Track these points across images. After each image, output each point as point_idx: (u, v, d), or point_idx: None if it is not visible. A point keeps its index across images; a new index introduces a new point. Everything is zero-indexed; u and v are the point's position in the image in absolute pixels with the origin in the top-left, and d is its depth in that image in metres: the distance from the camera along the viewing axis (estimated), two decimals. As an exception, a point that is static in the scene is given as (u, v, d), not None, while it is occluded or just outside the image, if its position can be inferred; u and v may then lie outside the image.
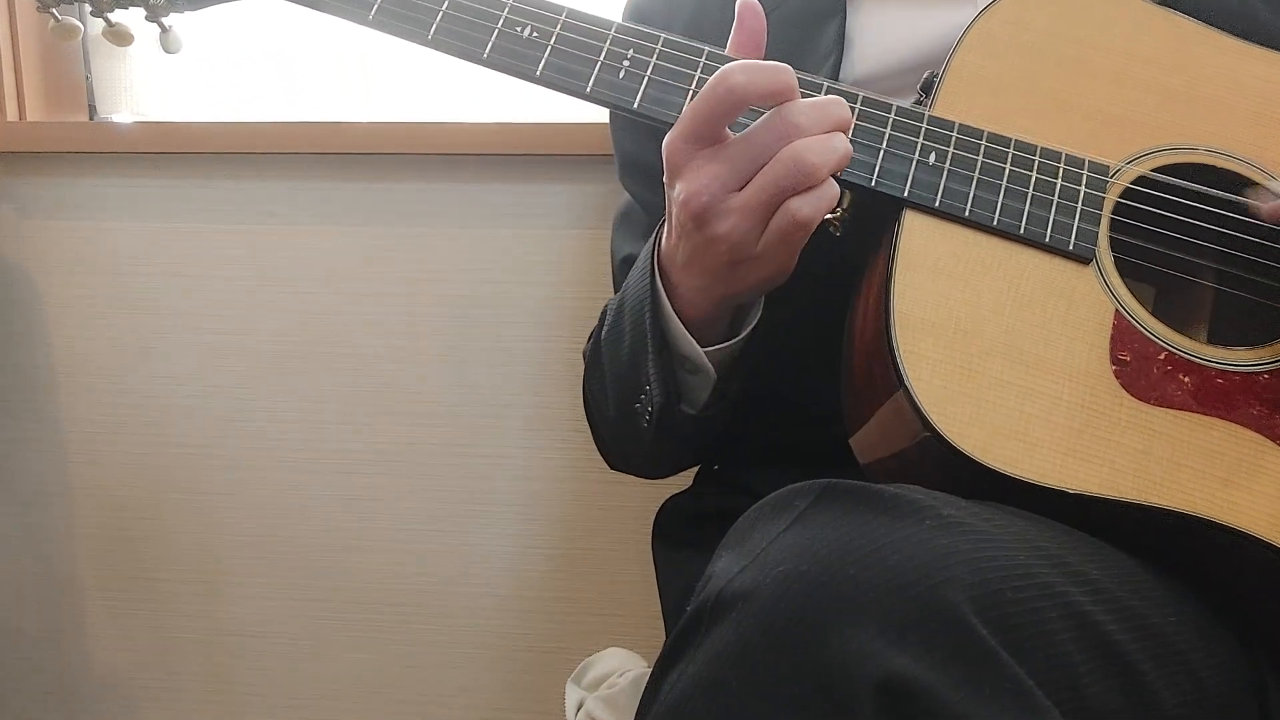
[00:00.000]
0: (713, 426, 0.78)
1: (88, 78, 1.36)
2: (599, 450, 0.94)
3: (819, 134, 0.64)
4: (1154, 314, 0.67)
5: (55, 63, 1.35)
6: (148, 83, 1.38)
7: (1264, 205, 0.68)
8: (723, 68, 0.64)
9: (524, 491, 1.30)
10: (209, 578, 1.35)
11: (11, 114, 1.31)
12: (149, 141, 1.27)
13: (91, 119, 1.37)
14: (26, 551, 1.38)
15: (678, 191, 0.66)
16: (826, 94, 0.70)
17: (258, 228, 1.29)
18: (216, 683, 1.37)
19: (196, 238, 1.30)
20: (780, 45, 0.82)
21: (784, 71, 0.64)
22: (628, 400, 0.78)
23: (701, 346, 0.73)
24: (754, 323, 0.74)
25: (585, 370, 0.89)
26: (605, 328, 0.81)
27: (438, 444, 1.30)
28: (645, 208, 0.94)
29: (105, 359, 1.33)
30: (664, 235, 0.72)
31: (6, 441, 1.36)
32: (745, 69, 0.63)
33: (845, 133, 0.66)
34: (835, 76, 0.80)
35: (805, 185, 0.64)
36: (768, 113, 0.65)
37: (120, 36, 0.78)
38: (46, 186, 1.31)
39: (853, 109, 0.69)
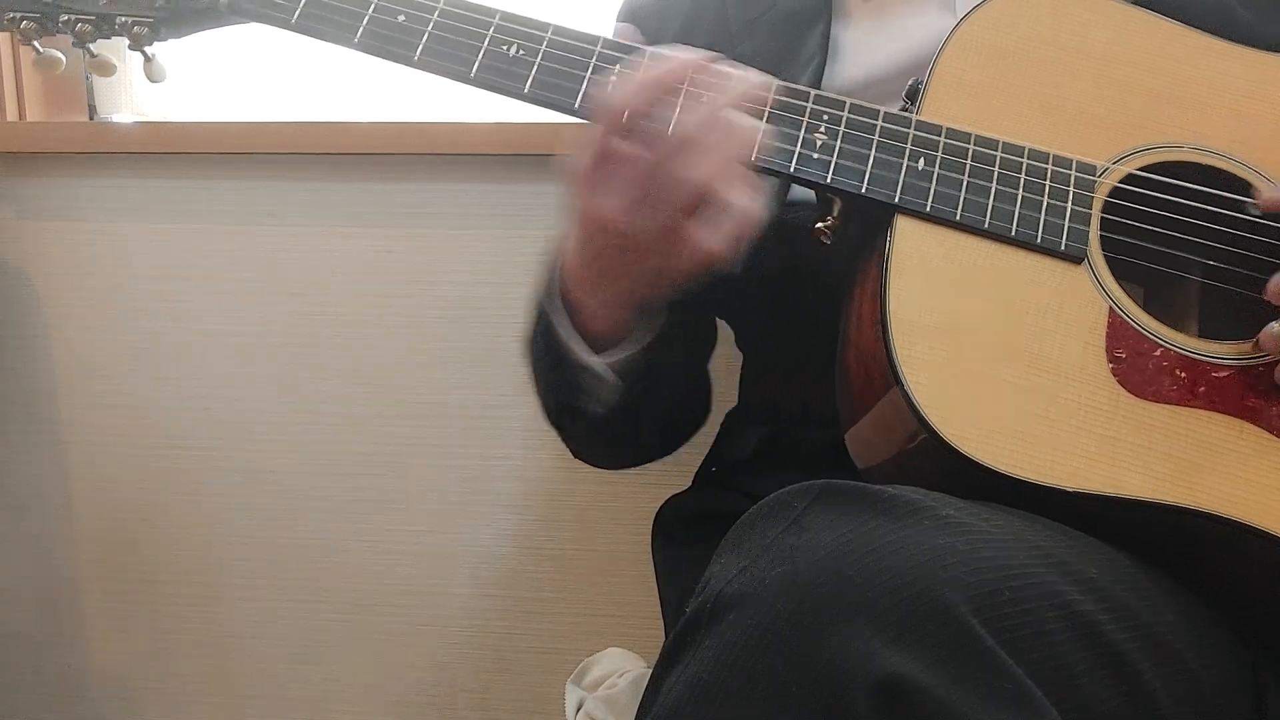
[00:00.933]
0: (636, 422, 0.79)
1: (88, 78, 1.36)
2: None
3: (707, 138, 0.64)
4: (1145, 311, 0.68)
5: (55, 63, 1.35)
6: (147, 83, 1.37)
7: (1262, 194, 0.69)
8: (607, 91, 0.65)
9: (523, 492, 1.30)
10: (208, 579, 1.35)
11: (11, 114, 1.31)
12: (149, 141, 1.27)
13: (91, 119, 1.37)
14: (26, 553, 1.38)
15: (580, 208, 0.67)
16: (814, 102, 0.70)
17: (258, 228, 1.29)
18: (216, 683, 1.37)
19: (196, 238, 1.30)
20: (766, 50, 0.83)
21: (656, 70, 0.64)
22: (558, 399, 0.79)
23: (616, 347, 0.73)
24: (653, 334, 0.74)
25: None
26: (528, 329, 0.82)
27: (437, 445, 1.30)
28: None
29: (104, 360, 1.33)
30: (566, 255, 0.72)
31: (6, 444, 1.36)
32: (620, 90, 0.64)
33: (762, 106, 0.67)
34: (819, 81, 0.81)
35: (696, 197, 0.63)
36: (650, 125, 0.64)
37: (103, 67, 0.78)
38: (46, 187, 1.31)
39: (841, 116, 0.70)
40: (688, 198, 0.63)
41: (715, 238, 0.64)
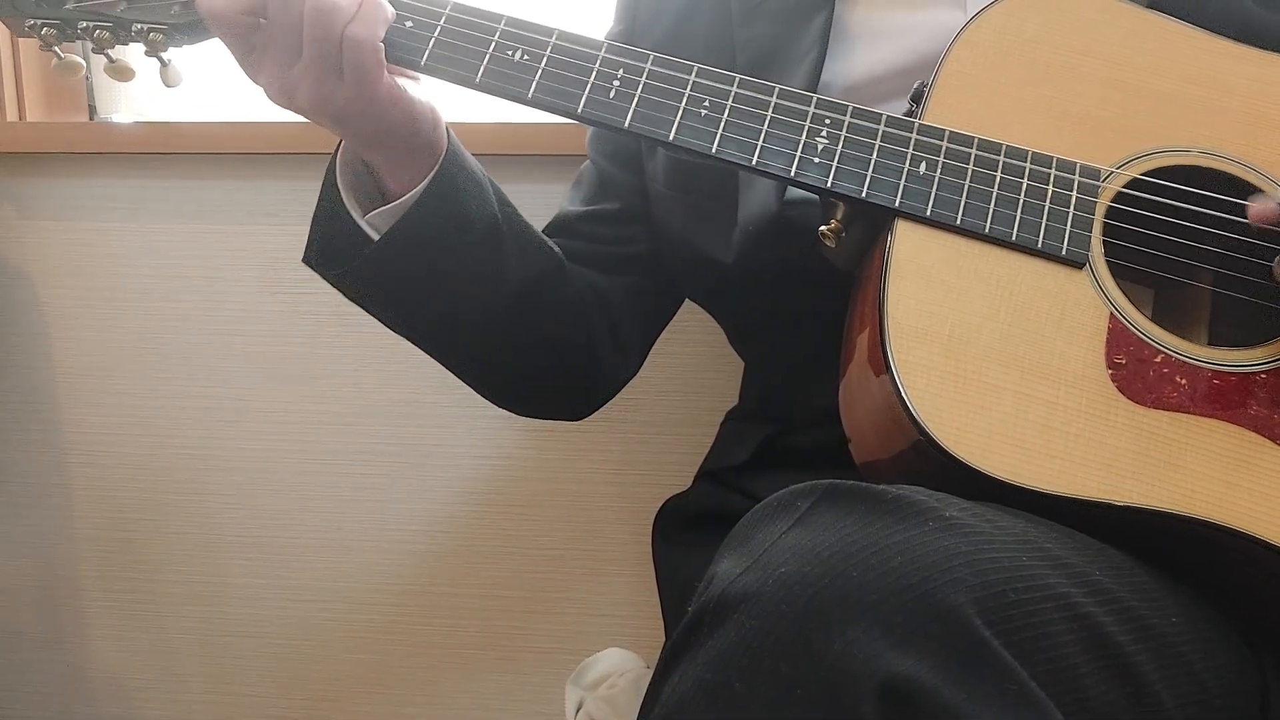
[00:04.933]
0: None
1: (88, 78, 1.36)
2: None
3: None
4: (1153, 317, 0.67)
5: (55, 63, 1.35)
6: (148, 83, 1.37)
7: (1253, 206, 0.68)
8: None
9: (524, 492, 1.30)
10: (209, 578, 1.35)
11: (11, 114, 1.31)
12: (149, 141, 1.27)
13: (91, 119, 1.37)
14: (27, 553, 1.38)
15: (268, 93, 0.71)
16: (815, 106, 0.70)
17: (258, 228, 1.29)
18: (216, 683, 1.37)
19: (197, 238, 1.29)
20: (765, 38, 0.82)
21: None
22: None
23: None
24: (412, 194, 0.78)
25: None
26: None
27: (437, 444, 1.30)
28: (602, 176, 0.94)
29: (104, 360, 1.32)
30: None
31: (6, 443, 1.36)
32: None
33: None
34: (817, 72, 0.80)
35: (340, 20, 0.67)
36: None
37: (121, 72, 0.78)
38: (46, 187, 1.30)
39: (843, 121, 0.70)
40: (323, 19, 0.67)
41: (363, 33, 0.67)
